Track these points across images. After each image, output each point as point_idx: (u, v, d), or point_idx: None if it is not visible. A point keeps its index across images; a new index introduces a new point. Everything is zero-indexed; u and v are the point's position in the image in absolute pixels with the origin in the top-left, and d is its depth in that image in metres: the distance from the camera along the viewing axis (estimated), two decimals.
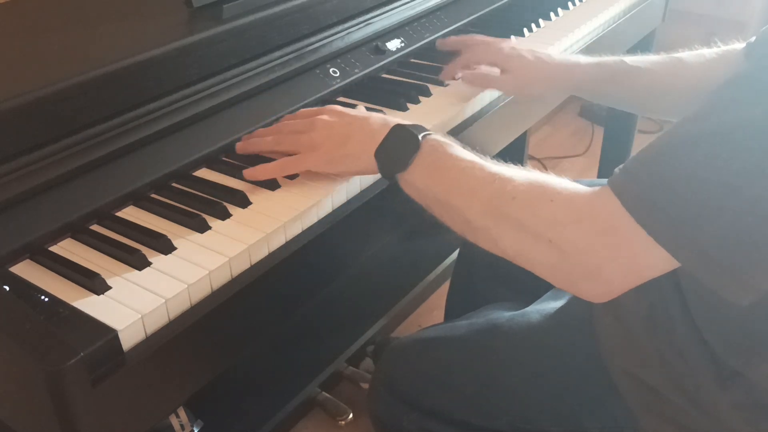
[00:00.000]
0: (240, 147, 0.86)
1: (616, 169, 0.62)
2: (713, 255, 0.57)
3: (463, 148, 0.73)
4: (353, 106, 0.98)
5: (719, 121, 0.58)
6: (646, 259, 0.60)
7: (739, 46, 0.91)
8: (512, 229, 0.66)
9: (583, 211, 0.62)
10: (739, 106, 0.57)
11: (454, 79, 1.06)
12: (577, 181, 0.70)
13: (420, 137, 0.73)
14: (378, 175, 0.86)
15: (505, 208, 0.66)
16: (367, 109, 0.96)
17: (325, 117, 0.81)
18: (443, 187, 0.71)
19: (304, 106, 0.96)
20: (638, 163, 0.61)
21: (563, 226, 0.62)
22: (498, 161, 0.71)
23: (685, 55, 0.96)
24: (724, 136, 0.57)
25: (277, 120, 0.92)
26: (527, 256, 0.66)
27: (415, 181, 0.73)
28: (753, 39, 0.87)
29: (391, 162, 0.75)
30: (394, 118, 0.79)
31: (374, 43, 1.07)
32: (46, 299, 0.64)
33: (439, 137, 0.74)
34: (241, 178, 0.82)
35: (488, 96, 1.04)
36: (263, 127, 0.90)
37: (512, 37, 1.21)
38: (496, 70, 1.02)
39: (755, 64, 0.61)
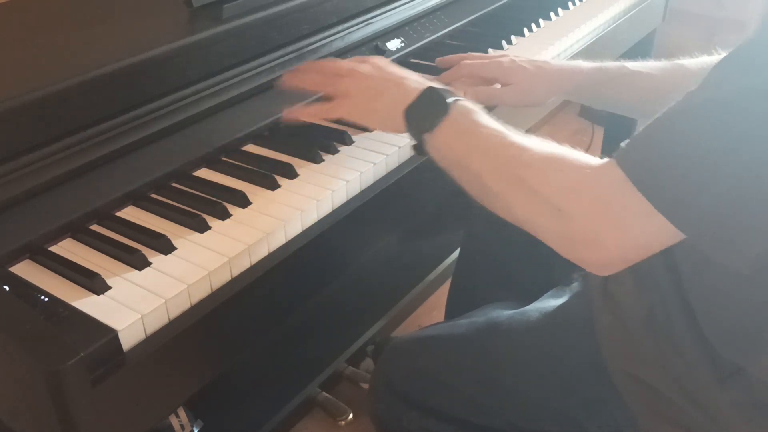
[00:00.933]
0: (285, 78, 0.90)
1: (623, 142, 0.64)
2: (711, 219, 0.59)
3: (490, 116, 0.75)
4: None
5: (720, 90, 0.59)
6: (645, 227, 0.62)
7: None
8: (524, 195, 0.68)
9: (588, 180, 0.64)
10: (740, 75, 0.59)
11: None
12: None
13: (449, 101, 0.75)
14: (378, 175, 0.86)
15: (519, 173, 0.68)
16: None
17: (366, 67, 0.84)
18: (464, 151, 0.73)
19: (304, 106, 0.96)
20: (642, 133, 0.63)
21: (569, 192, 0.65)
22: (520, 132, 0.73)
23: (686, 61, 0.96)
24: (725, 103, 0.58)
25: (276, 120, 0.92)
26: (536, 221, 0.68)
27: (440, 143, 0.75)
28: None
29: (418, 122, 0.77)
30: (429, 81, 0.81)
31: (374, 43, 1.07)
32: (46, 299, 0.64)
33: (468, 103, 0.76)
34: (241, 178, 0.82)
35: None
36: (263, 126, 0.91)
37: (512, 37, 1.21)
38: (496, 86, 1.02)
39: (758, 35, 0.61)
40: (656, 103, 0.98)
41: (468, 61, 1.04)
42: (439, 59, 1.09)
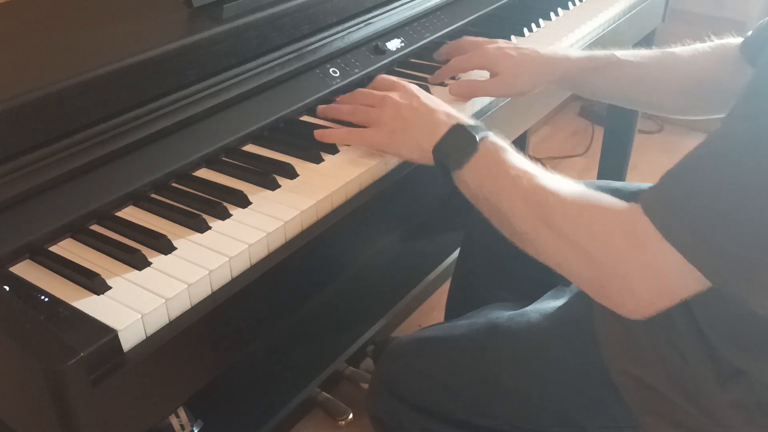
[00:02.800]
0: (321, 110, 0.94)
1: (649, 187, 0.63)
2: (742, 269, 0.58)
3: (518, 153, 0.75)
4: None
5: (739, 135, 0.58)
6: (677, 276, 0.61)
7: (732, 41, 0.91)
8: (553, 240, 0.68)
9: (618, 227, 0.63)
10: (756, 117, 0.58)
11: (443, 84, 1.05)
12: (579, 182, 0.70)
13: (478, 139, 0.75)
14: (377, 175, 0.86)
15: (548, 218, 0.68)
16: None
17: (395, 96, 0.84)
18: (493, 192, 0.73)
19: (304, 106, 0.96)
20: (665, 180, 0.62)
21: (599, 240, 0.64)
22: (548, 171, 0.73)
23: (677, 49, 0.96)
24: (746, 147, 0.57)
25: (276, 120, 0.92)
26: (567, 266, 0.68)
27: (468, 180, 0.76)
28: (749, 34, 0.87)
29: (447, 159, 0.77)
30: (458, 114, 0.81)
31: (374, 43, 1.07)
32: (46, 299, 0.64)
33: (496, 140, 0.76)
34: (241, 178, 0.82)
35: (488, 96, 1.04)
36: (263, 126, 0.91)
37: (512, 37, 1.21)
38: (485, 74, 1.01)
39: (764, 72, 0.60)
40: (645, 91, 0.99)
41: (457, 58, 1.03)
42: (436, 53, 1.09)
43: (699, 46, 0.94)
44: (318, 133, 0.88)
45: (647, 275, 0.62)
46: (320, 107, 0.94)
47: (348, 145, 0.89)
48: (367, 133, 0.85)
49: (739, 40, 0.90)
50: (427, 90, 1.02)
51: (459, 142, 0.76)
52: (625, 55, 0.97)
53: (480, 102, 1.03)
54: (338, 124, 0.92)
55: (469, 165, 0.75)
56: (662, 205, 0.61)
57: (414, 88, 0.86)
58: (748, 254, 0.57)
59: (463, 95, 1.00)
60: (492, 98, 1.05)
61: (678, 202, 0.60)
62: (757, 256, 0.57)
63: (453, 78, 1.05)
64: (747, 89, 0.61)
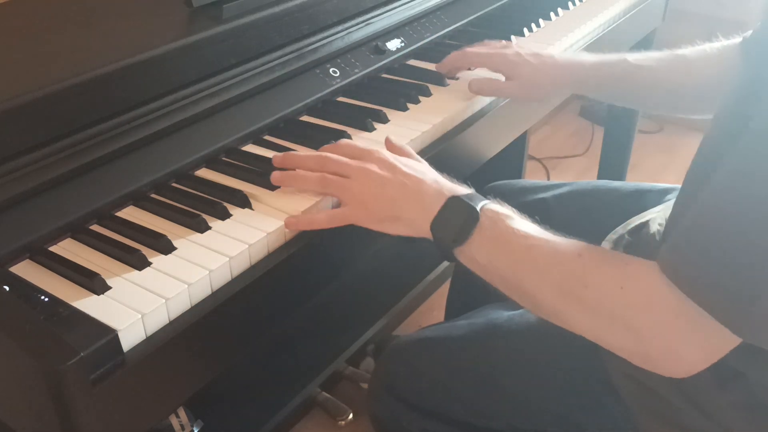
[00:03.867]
0: (278, 162, 0.81)
1: (664, 250, 0.61)
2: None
3: (521, 218, 0.71)
4: (353, 106, 0.99)
5: (753, 194, 0.56)
6: (719, 338, 0.60)
7: (738, 40, 0.91)
8: (586, 315, 0.66)
9: (653, 298, 0.62)
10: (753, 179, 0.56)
11: (452, 77, 1.06)
12: (577, 183, 0.70)
13: (478, 209, 0.70)
14: None
15: (578, 294, 0.65)
16: (367, 109, 0.97)
17: (374, 168, 0.75)
18: (509, 266, 0.69)
19: (304, 106, 0.96)
20: (684, 245, 0.60)
21: (635, 311, 0.62)
22: (556, 233, 0.69)
23: (687, 51, 0.96)
24: (759, 203, 0.56)
25: (276, 120, 0.92)
26: (603, 339, 0.66)
27: (476, 256, 0.71)
28: (749, 33, 0.87)
29: (448, 236, 0.71)
30: (445, 180, 0.75)
31: (374, 43, 1.07)
32: (46, 299, 0.64)
33: (496, 207, 0.71)
34: (241, 178, 0.82)
35: (488, 97, 1.04)
36: (263, 126, 0.91)
37: (512, 37, 1.21)
38: (499, 76, 1.02)
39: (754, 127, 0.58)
40: (657, 95, 0.99)
41: (473, 50, 1.04)
42: (437, 65, 1.08)
43: (707, 48, 0.95)
44: (291, 223, 0.75)
45: (692, 339, 0.61)
46: (276, 158, 0.81)
47: None
48: (351, 214, 0.76)
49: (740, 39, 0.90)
50: (426, 88, 1.02)
51: (458, 216, 0.71)
52: (637, 60, 0.98)
53: (480, 102, 1.03)
54: (345, 125, 0.91)
55: (472, 239, 0.70)
56: (689, 273, 0.59)
57: (389, 156, 0.77)
58: None
59: (483, 93, 1.02)
60: (492, 98, 1.05)
61: (694, 262, 0.59)
62: None
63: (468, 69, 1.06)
64: (741, 101, 0.60)
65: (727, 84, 0.89)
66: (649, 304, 0.62)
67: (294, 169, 0.80)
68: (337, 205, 0.80)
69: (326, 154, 0.79)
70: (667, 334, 0.62)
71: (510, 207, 0.73)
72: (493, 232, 0.70)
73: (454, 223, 0.71)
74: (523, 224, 0.70)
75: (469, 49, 1.04)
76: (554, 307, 0.67)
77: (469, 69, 1.08)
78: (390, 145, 0.82)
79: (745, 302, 0.57)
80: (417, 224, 0.73)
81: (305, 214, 0.76)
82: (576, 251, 0.67)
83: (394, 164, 0.76)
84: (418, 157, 0.81)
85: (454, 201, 0.72)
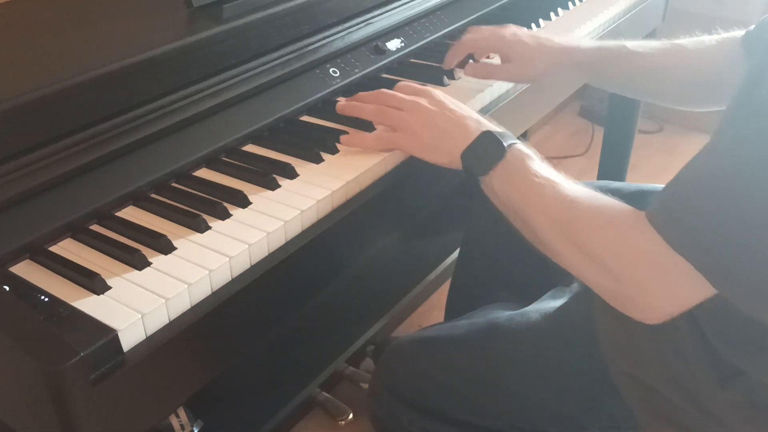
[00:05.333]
0: (340, 107, 0.91)
1: (655, 202, 0.65)
2: (753, 284, 0.60)
3: (542, 161, 0.77)
4: None
5: (749, 153, 0.59)
6: (690, 287, 0.64)
7: (738, 33, 0.91)
8: (572, 249, 0.71)
9: (634, 241, 0.66)
10: (752, 140, 0.59)
11: (458, 67, 1.07)
12: (582, 183, 0.71)
13: (506, 145, 0.77)
14: (377, 175, 0.86)
15: (568, 229, 0.71)
16: None
17: (424, 102, 0.84)
18: (517, 199, 0.75)
19: (304, 106, 0.96)
20: (669, 191, 0.65)
21: (615, 253, 0.67)
22: (569, 178, 0.75)
23: (685, 41, 0.97)
24: (755, 166, 0.58)
25: (276, 120, 0.92)
26: (585, 275, 0.71)
27: (494, 187, 0.77)
28: (752, 28, 0.88)
29: (474, 165, 0.78)
30: (488, 122, 0.82)
31: (374, 43, 1.07)
32: (46, 299, 0.64)
33: (523, 148, 0.77)
34: (241, 178, 0.82)
35: (488, 96, 1.04)
36: (263, 126, 0.91)
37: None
38: (496, 60, 1.04)
39: (757, 91, 0.61)
40: (653, 83, 1.00)
41: (470, 35, 1.05)
42: (444, 65, 1.09)
43: (706, 39, 0.95)
44: (345, 139, 0.87)
45: (662, 286, 0.65)
46: (340, 104, 0.92)
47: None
48: (398, 139, 0.85)
49: (741, 32, 0.91)
50: (441, 80, 1.03)
51: (487, 149, 0.78)
52: (635, 47, 0.98)
53: (480, 101, 1.03)
54: (345, 125, 0.92)
55: (495, 171, 0.76)
56: (667, 218, 0.64)
57: (441, 95, 0.86)
58: (752, 265, 0.59)
59: (478, 77, 1.04)
60: (492, 98, 1.05)
61: (682, 215, 0.62)
62: (761, 268, 0.59)
63: (469, 60, 1.08)
64: (745, 90, 0.61)
65: (726, 76, 0.89)
66: (632, 250, 0.66)
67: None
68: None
69: (383, 90, 0.90)
70: (640, 277, 0.66)
71: (535, 150, 0.78)
72: (512, 168, 0.76)
73: (482, 155, 0.78)
74: (541, 166, 0.76)
75: (464, 37, 1.06)
76: (548, 240, 0.73)
77: (473, 60, 1.08)
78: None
79: (730, 256, 0.60)
80: (453, 154, 0.80)
81: (357, 136, 0.87)
82: (576, 191, 0.72)
83: (442, 101, 0.85)
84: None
85: (487, 135, 0.79)
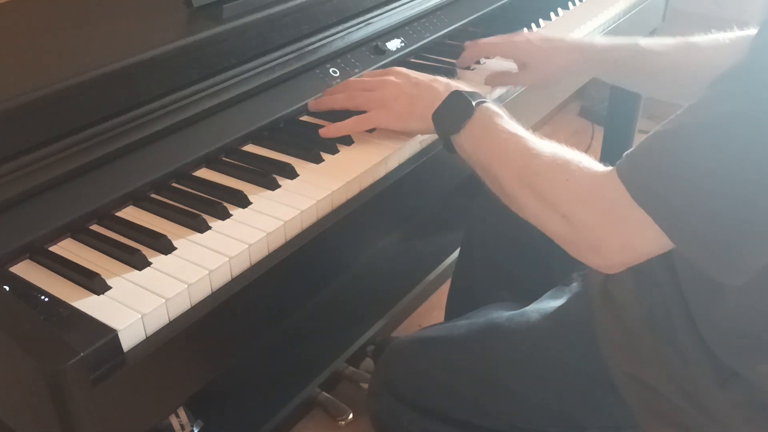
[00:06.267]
0: (312, 105, 0.95)
1: (624, 155, 0.67)
2: (706, 238, 0.62)
3: (510, 119, 0.79)
4: None
5: (715, 113, 0.61)
6: (644, 238, 0.65)
7: (753, 32, 0.91)
8: (534, 200, 0.72)
9: (592, 191, 0.68)
10: (734, 98, 0.60)
11: (469, 68, 1.09)
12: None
13: (474, 104, 0.79)
14: (377, 176, 0.86)
15: (530, 180, 0.72)
16: None
17: (392, 78, 0.89)
18: (485, 154, 0.78)
19: (304, 106, 0.96)
20: (642, 152, 0.66)
21: (574, 202, 0.69)
22: (536, 134, 0.77)
23: (699, 39, 0.97)
24: (718, 126, 0.60)
25: (276, 120, 0.92)
26: (545, 225, 0.72)
27: (464, 144, 0.79)
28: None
29: (445, 125, 0.81)
30: (457, 82, 0.86)
31: (374, 43, 1.07)
32: (46, 299, 0.64)
33: (491, 106, 0.80)
34: (241, 178, 0.82)
35: (488, 96, 1.04)
36: (263, 126, 0.91)
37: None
38: (511, 64, 1.05)
39: (752, 57, 0.62)
40: (667, 82, 1.00)
41: (485, 40, 1.07)
42: (458, 62, 1.10)
43: (720, 37, 0.95)
44: (324, 131, 0.89)
45: (619, 235, 0.66)
46: (311, 102, 0.95)
47: (347, 145, 0.89)
48: (374, 115, 0.88)
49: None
50: (455, 73, 1.05)
51: (456, 107, 0.80)
52: (648, 45, 0.99)
53: None
54: (328, 120, 0.92)
55: (465, 129, 0.79)
56: (635, 171, 0.65)
57: (404, 69, 0.91)
58: (711, 225, 0.61)
59: (497, 84, 1.07)
60: (492, 98, 1.05)
61: (649, 167, 0.64)
62: (718, 227, 0.61)
63: (478, 62, 1.11)
64: (727, 70, 0.62)
65: None
66: (587, 198, 0.68)
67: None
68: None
69: (350, 79, 0.95)
70: (597, 228, 0.67)
71: (504, 109, 0.80)
72: (481, 124, 0.78)
73: (452, 114, 0.81)
74: (509, 122, 0.78)
75: (481, 41, 1.07)
76: (511, 192, 0.74)
77: (483, 61, 1.11)
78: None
79: (691, 210, 0.61)
80: (426, 117, 0.83)
81: (334, 124, 0.89)
82: (542, 145, 0.74)
83: (407, 73, 0.90)
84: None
85: (456, 94, 0.81)
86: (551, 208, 0.70)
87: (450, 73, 1.06)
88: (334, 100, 0.92)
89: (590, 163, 0.71)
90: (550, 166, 0.72)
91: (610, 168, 0.68)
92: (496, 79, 1.05)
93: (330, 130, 0.89)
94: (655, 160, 0.64)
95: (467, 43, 1.10)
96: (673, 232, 0.63)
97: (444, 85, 0.85)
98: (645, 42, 0.99)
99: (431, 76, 0.88)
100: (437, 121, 0.82)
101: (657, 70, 0.99)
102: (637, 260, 0.68)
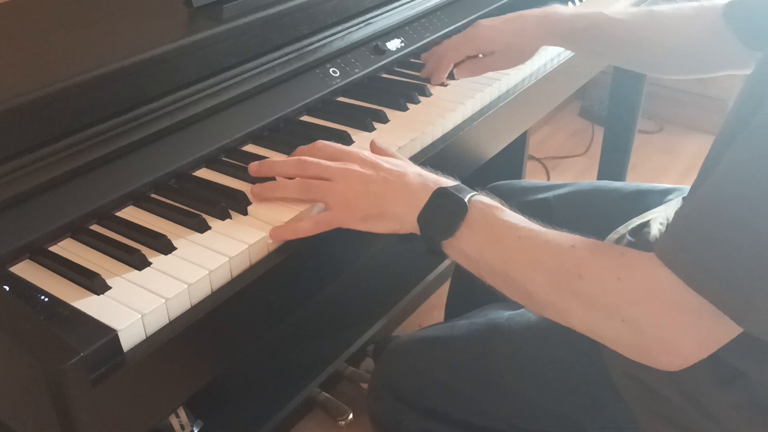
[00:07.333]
0: (254, 170, 0.79)
1: (663, 237, 0.61)
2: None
3: (510, 209, 0.70)
4: (354, 106, 0.99)
5: (755, 180, 0.55)
6: (720, 328, 0.59)
7: (718, 2, 0.92)
8: (581, 307, 0.64)
9: (652, 289, 0.60)
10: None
11: (443, 84, 1.06)
12: (577, 183, 0.70)
13: (466, 201, 0.69)
14: None
15: (573, 285, 0.63)
16: (368, 109, 0.97)
17: (355, 167, 0.74)
18: (499, 258, 0.68)
19: (304, 106, 0.96)
20: (685, 230, 0.60)
21: (634, 305, 0.61)
22: (547, 226, 0.68)
23: (664, 8, 0.98)
24: (762, 192, 0.55)
25: (276, 120, 0.92)
26: (600, 333, 0.64)
27: (465, 248, 0.69)
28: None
29: (436, 229, 0.70)
30: (428, 173, 0.74)
31: (374, 43, 1.07)
32: (46, 299, 0.64)
33: (485, 199, 0.71)
34: (241, 178, 0.82)
35: (488, 96, 1.04)
36: (263, 126, 0.91)
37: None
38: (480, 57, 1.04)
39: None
40: (632, 51, 1.01)
41: (445, 47, 1.05)
42: (422, 73, 1.08)
43: (684, 6, 0.96)
44: (274, 232, 0.73)
45: (692, 332, 0.60)
46: (252, 166, 0.79)
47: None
48: (335, 217, 0.74)
49: (721, 2, 0.91)
50: (426, 89, 1.02)
51: (444, 209, 0.70)
52: (613, 14, 0.99)
53: (480, 102, 1.03)
54: (345, 126, 0.91)
55: (461, 231, 0.69)
56: (678, 251, 0.59)
57: (369, 154, 0.77)
58: None
59: (473, 74, 1.05)
60: (492, 98, 1.05)
61: (693, 245, 0.58)
62: None
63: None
64: (755, 126, 0.57)
65: (704, 46, 0.91)
66: (648, 295, 0.60)
67: (273, 179, 0.78)
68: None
69: (304, 158, 0.77)
70: (667, 326, 0.60)
71: (498, 199, 0.71)
72: (482, 224, 0.69)
73: (442, 216, 0.70)
74: (513, 216, 0.69)
75: (439, 47, 1.06)
76: (547, 299, 0.66)
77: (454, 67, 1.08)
78: (375, 148, 0.81)
79: (746, 289, 0.55)
80: (404, 219, 0.72)
81: (289, 224, 0.74)
82: (569, 242, 0.65)
83: (375, 161, 0.75)
84: (401, 156, 0.80)
85: (441, 193, 0.71)
86: (605, 314, 0.62)
87: (449, 74, 1.06)
88: (285, 186, 0.76)
89: (629, 251, 0.63)
90: (593, 266, 0.63)
91: (656, 259, 0.60)
92: (471, 71, 1.04)
93: (284, 232, 0.73)
94: (702, 242, 0.57)
95: (423, 56, 1.07)
96: (740, 317, 0.57)
97: (418, 179, 0.72)
98: (610, 11, 0.99)
99: (402, 168, 0.74)
100: (424, 225, 0.71)
101: (620, 38, 0.99)
102: (710, 351, 0.61)
